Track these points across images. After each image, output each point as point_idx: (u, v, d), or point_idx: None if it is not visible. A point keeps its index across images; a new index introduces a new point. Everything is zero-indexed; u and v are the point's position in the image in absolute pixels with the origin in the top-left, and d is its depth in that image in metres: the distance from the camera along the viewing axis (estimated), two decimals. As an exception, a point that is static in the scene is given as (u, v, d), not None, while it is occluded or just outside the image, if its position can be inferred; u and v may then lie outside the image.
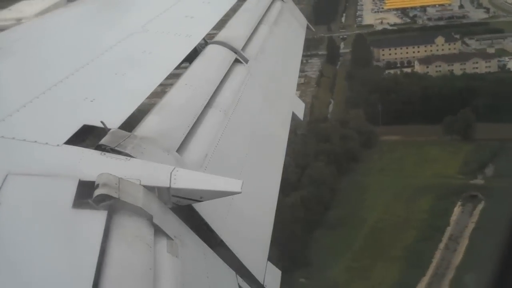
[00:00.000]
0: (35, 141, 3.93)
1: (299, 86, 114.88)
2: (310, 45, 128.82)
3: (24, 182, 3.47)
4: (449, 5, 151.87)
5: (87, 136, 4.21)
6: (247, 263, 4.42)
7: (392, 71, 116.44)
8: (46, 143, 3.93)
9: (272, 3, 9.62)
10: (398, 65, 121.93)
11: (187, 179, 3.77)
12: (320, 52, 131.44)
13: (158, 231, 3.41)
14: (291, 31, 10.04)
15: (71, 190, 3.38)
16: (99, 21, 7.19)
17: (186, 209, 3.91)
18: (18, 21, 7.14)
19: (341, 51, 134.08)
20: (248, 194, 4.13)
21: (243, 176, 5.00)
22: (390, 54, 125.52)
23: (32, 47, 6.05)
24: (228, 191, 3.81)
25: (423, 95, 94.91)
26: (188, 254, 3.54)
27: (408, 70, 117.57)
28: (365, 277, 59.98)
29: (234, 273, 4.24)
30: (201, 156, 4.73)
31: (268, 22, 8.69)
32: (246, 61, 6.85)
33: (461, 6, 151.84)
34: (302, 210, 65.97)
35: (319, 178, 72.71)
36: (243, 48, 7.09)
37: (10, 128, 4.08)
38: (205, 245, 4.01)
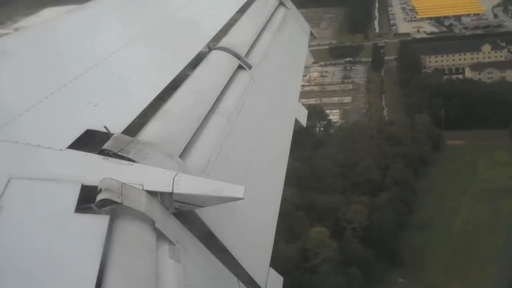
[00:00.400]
0: (38, 145, 3.93)
1: (349, 91, 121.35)
2: (351, 52, 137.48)
3: (26, 186, 3.47)
4: (484, 14, 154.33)
5: (90, 141, 4.21)
6: (249, 268, 4.41)
7: (446, 77, 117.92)
8: (49, 147, 3.93)
9: (275, 9, 9.65)
10: (446, 71, 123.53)
11: (189, 185, 3.77)
12: (363, 59, 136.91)
13: (160, 236, 3.41)
14: (294, 38, 10.05)
15: (74, 194, 3.38)
16: (104, 26, 7.20)
17: (188, 215, 3.91)
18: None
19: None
20: (250, 200, 4.12)
21: (246, 182, 5.00)
22: (436, 61, 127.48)
23: (37, 51, 6.06)
24: (231, 197, 3.80)
25: (485, 100, 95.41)
26: (190, 260, 3.54)
27: (459, 76, 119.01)
28: (463, 277, 60.36)
29: (236, 278, 4.23)
30: (204, 161, 4.72)
31: (271, 29, 8.70)
32: (250, 67, 6.86)
33: (495, 16, 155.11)
34: (390, 211, 67.58)
35: (402, 180, 74.42)
36: (247, 54, 7.10)
37: (14, 132, 4.07)
38: (207, 250, 4.00)
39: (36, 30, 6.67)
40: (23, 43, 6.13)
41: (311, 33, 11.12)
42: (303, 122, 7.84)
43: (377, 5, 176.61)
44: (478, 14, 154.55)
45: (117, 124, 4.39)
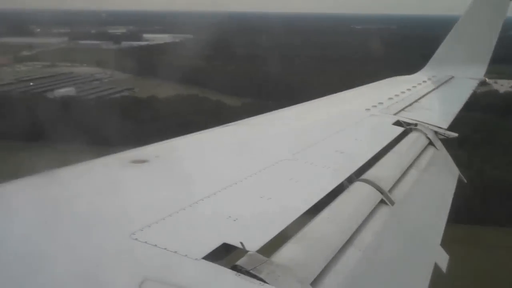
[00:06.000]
0: (176, 252, 4.01)
1: None
2: None
3: None
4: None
5: (225, 254, 4.23)
6: None
7: None
8: (186, 255, 3.99)
9: (424, 149, 9.48)
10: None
11: None
12: None
13: None
14: (441, 180, 9.72)
15: None
16: (252, 145, 7.49)
17: None
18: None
19: None
20: None
21: None
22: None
23: (185, 161, 6.40)
24: None
25: None
26: None
27: None
28: None
29: None
30: None
31: (418, 168, 8.50)
32: (392, 203, 6.65)
33: None
34: None
35: None
36: (390, 190, 6.92)
37: (155, 235, 4.22)
38: None
39: (195, 137, 7.14)
40: (185, 148, 6.54)
41: (459, 177, 10.70)
42: (443, 267, 7.34)
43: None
44: None
45: (253, 241, 4.39)
